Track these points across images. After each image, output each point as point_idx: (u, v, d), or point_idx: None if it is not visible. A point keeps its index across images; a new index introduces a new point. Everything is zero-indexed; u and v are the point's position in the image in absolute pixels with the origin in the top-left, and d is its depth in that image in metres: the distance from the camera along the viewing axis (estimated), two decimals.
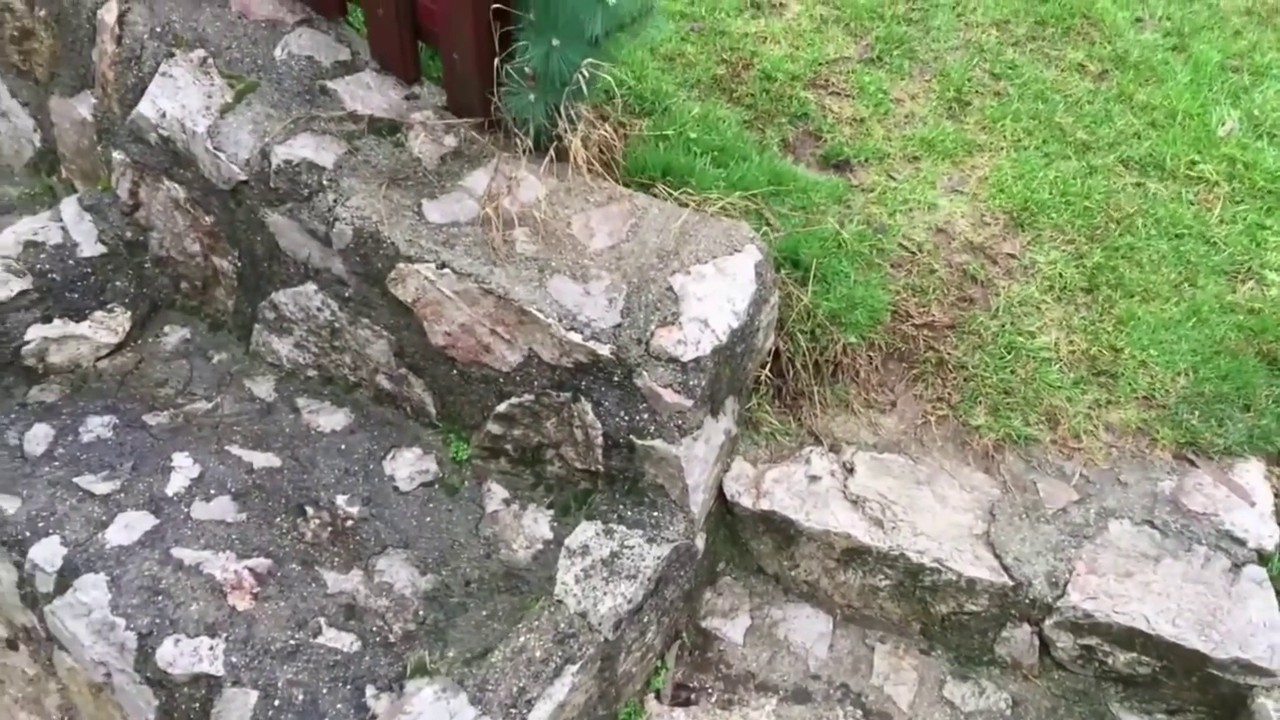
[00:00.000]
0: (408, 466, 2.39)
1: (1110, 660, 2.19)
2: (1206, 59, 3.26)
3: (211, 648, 1.99)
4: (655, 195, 2.51)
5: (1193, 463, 2.38)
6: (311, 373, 2.56)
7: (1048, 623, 2.20)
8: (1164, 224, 2.82)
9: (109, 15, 2.52)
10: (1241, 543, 2.22)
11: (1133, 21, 3.45)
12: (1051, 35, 3.39)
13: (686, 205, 2.47)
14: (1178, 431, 2.42)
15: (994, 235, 2.79)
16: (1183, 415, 2.44)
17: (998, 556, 2.22)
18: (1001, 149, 3.01)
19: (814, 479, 2.35)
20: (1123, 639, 2.14)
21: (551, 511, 2.32)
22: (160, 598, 2.06)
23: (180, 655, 1.98)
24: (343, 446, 2.42)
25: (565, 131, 2.41)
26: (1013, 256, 2.75)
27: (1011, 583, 2.19)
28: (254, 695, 1.94)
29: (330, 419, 2.48)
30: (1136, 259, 2.74)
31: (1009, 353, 2.54)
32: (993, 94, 3.18)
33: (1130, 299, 2.65)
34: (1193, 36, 3.39)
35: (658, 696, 2.27)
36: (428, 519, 2.30)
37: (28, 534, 2.17)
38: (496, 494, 2.36)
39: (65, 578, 2.10)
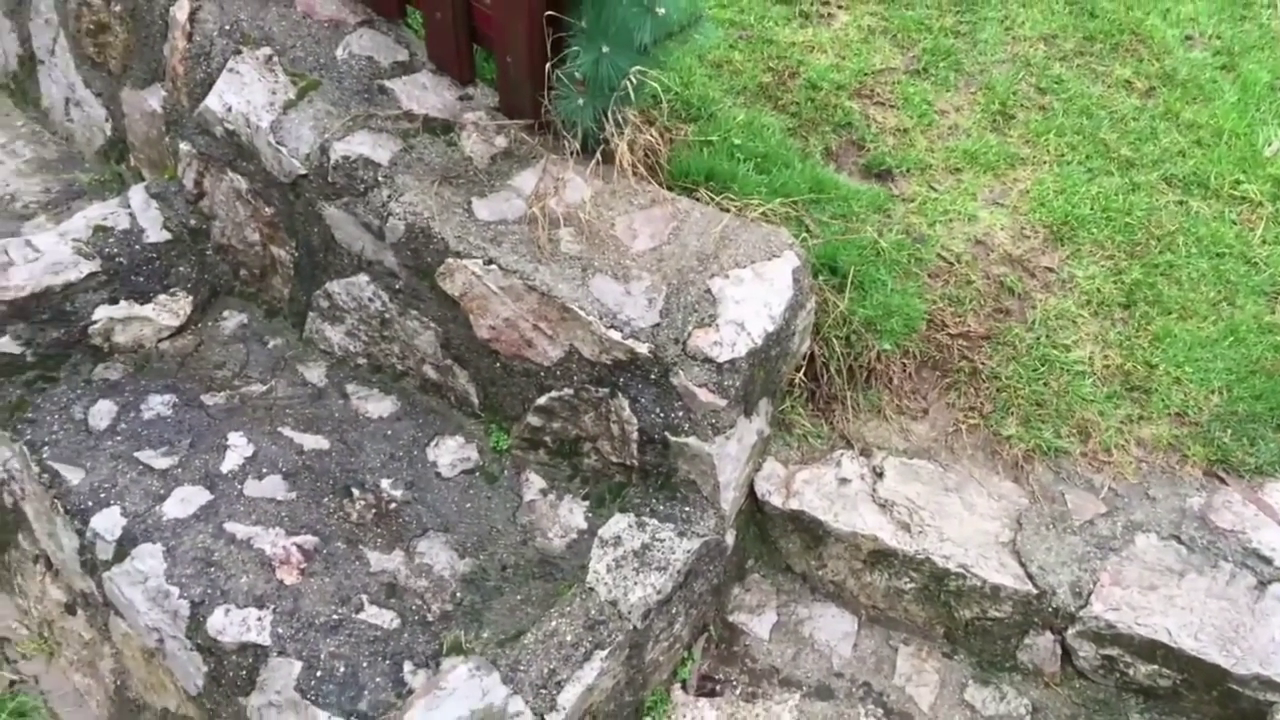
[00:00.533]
0: (450, 454, 2.48)
1: (1131, 671, 2.21)
2: (1255, 79, 3.26)
3: (259, 618, 2.09)
4: (698, 199, 2.57)
5: (1223, 480, 2.39)
6: (361, 360, 2.65)
7: (1070, 631, 2.23)
8: (1205, 242, 2.83)
9: (181, 12, 2.64)
10: (1268, 561, 2.23)
11: (1182, 39, 3.45)
12: (1099, 51, 3.40)
13: (728, 210, 2.53)
14: (1209, 449, 2.44)
15: (1033, 248, 2.82)
16: (1215, 433, 2.45)
17: (1023, 565, 2.25)
18: (1044, 163, 3.03)
19: (844, 481, 2.39)
20: (1144, 651, 2.17)
21: (586, 503, 2.39)
22: (212, 569, 2.16)
23: (230, 624, 2.08)
24: (389, 432, 2.51)
25: (612, 135, 2.47)
26: (1051, 270, 2.78)
27: (1035, 591, 2.22)
28: (298, 665, 2.03)
29: (378, 405, 2.57)
30: (1176, 276, 2.76)
31: (1043, 365, 2.57)
32: (1038, 108, 3.20)
33: (1168, 316, 2.67)
34: (1242, 56, 3.38)
35: (684, 686, 2.33)
36: (468, 505, 2.39)
37: (90, 504, 2.28)
38: (534, 484, 2.44)
39: (124, 547, 2.21)
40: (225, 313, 2.77)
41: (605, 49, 2.26)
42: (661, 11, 2.24)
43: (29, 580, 2.63)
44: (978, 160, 3.01)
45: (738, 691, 2.31)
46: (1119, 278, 2.75)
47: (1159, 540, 2.28)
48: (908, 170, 2.97)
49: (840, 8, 3.50)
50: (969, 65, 3.32)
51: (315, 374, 2.65)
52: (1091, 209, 2.89)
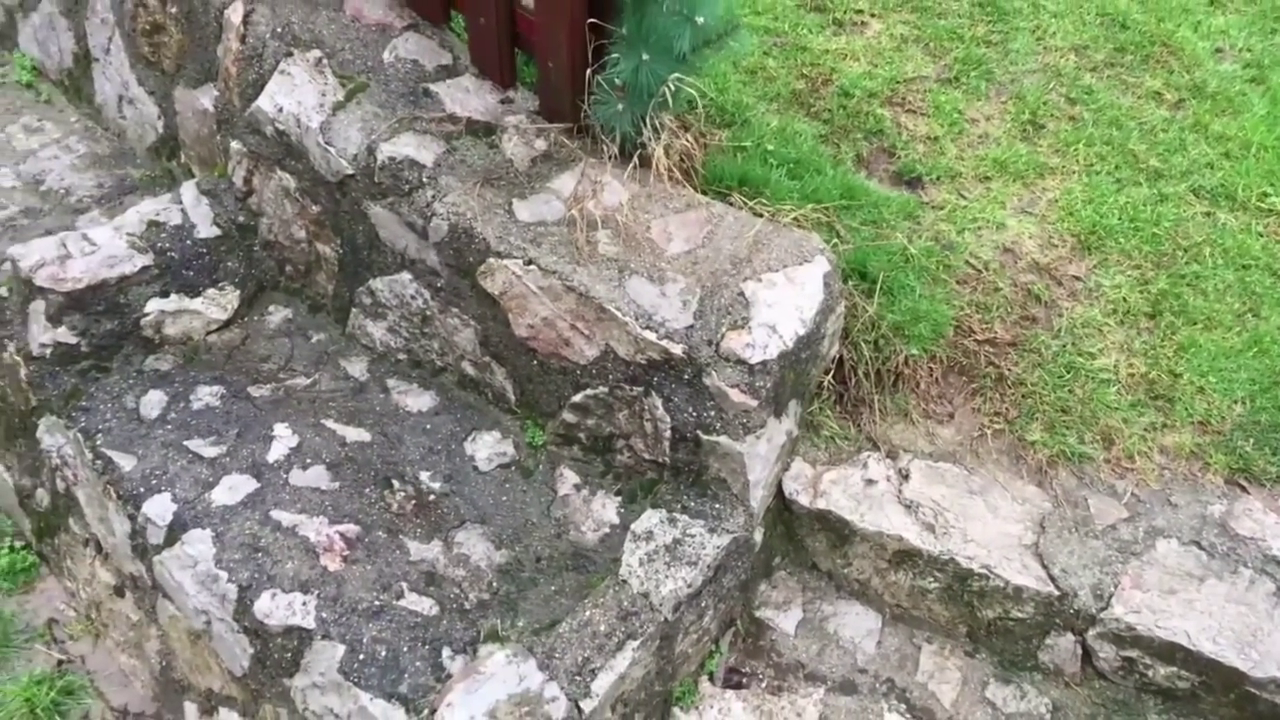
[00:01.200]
0: (487, 448, 2.55)
1: (1150, 673, 2.26)
2: None
3: (304, 603, 2.17)
4: (731, 204, 2.63)
5: (1244, 489, 2.43)
6: (402, 356, 2.73)
7: (1091, 633, 2.28)
8: (1231, 254, 2.86)
9: (235, 15, 2.72)
10: None
11: (1212, 52, 3.48)
12: (1130, 62, 3.43)
13: (761, 215, 2.59)
14: (1231, 458, 2.47)
15: (1061, 257, 2.86)
16: (1237, 442, 2.49)
17: (1045, 567, 2.30)
18: (1073, 173, 3.07)
19: (870, 483, 2.45)
20: (1164, 653, 2.21)
21: (619, 498, 2.46)
22: (259, 555, 2.24)
23: (276, 608, 2.16)
24: (428, 426, 2.59)
25: (649, 140, 2.54)
26: (1078, 279, 2.82)
27: (1058, 593, 2.27)
28: (341, 649, 2.10)
29: (417, 400, 2.65)
30: (1201, 287, 2.79)
31: (1068, 372, 2.61)
32: (1068, 118, 3.24)
33: (1193, 326, 2.71)
34: (1272, 69, 3.40)
35: (711, 678, 2.40)
36: (504, 498, 2.46)
37: (142, 490, 2.37)
38: (568, 479, 2.51)
39: (175, 532, 2.30)
40: (271, 307, 2.85)
41: (645, 57, 2.33)
42: (701, 21, 2.30)
43: (78, 563, 2.72)
44: (1007, 169, 3.06)
45: (764, 685, 2.37)
46: (1145, 287, 2.79)
47: (1180, 546, 2.32)
48: (938, 178, 3.02)
49: (873, 16, 3.55)
50: (1000, 74, 3.36)
51: (357, 368, 2.73)
52: (1119, 219, 2.93)
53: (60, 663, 2.70)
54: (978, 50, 3.42)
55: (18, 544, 2.89)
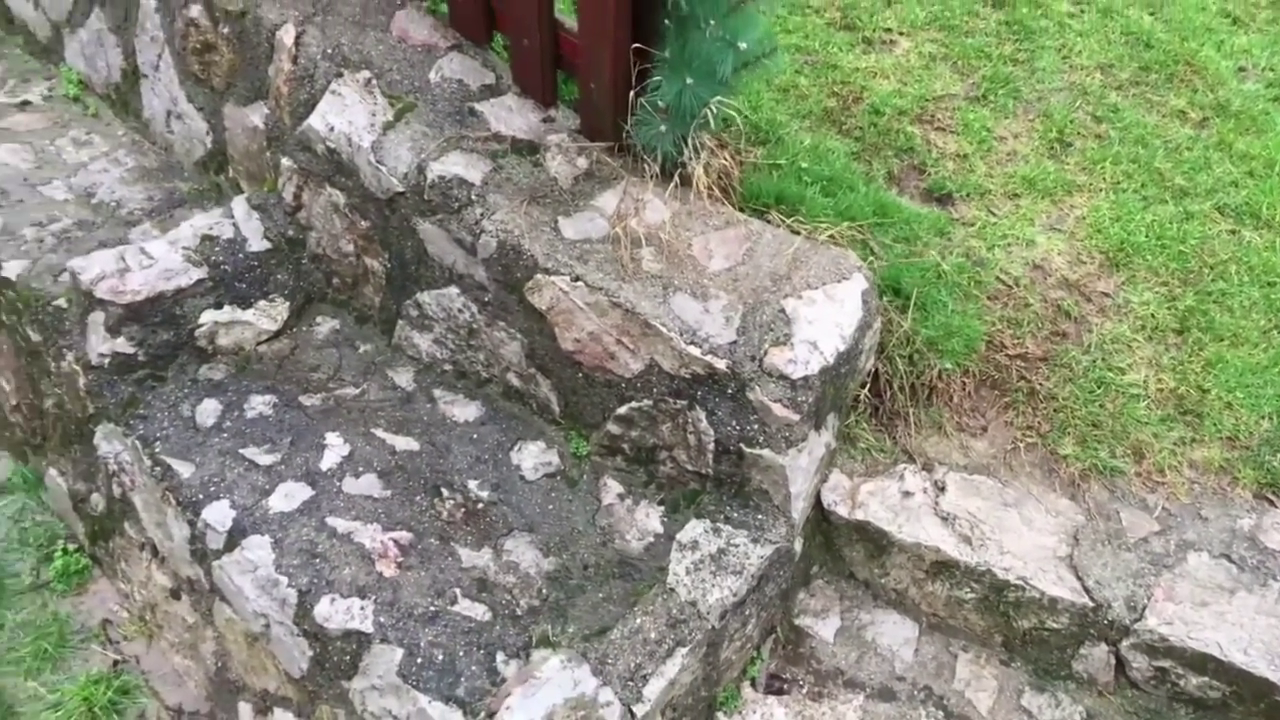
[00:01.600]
0: (532, 458, 2.62)
1: (1182, 683, 2.32)
2: None
3: (362, 608, 2.24)
4: (769, 221, 2.70)
5: (1272, 503, 2.50)
6: (448, 367, 2.81)
7: (1125, 644, 2.34)
8: (1257, 271, 2.93)
9: (287, 36, 2.80)
10: None
11: (1235, 71, 3.54)
12: (1154, 81, 3.50)
13: (798, 233, 2.66)
14: (1259, 472, 2.54)
15: (1089, 273, 2.92)
16: (1265, 457, 2.55)
17: (1080, 579, 2.36)
18: (1100, 190, 3.14)
19: (907, 494, 2.52)
20: (1195, 663, 2.28)
21: (662, 508, 2.52)
22: (317, 560, 2.31)
23: (335, 612, 2.23)
24: (474, 436, 2.66)
25: (689, 159, 2.61)
26: (1106, 295, 2.89)
27: (1092, 604, 2.33)
28: (399, 652, 2.17)
29: (464, 410, 2.72)
30: (1228, 304, 2.86)
31: (1099, 387, 2.68)
32: (1094, 136, 3.31)
33: (1220, 342, 2.77)
34: None
35: (753, 684, 2.46)
36: (550, 507, 2.53)
37: (200, 496, 2.44)
38: (612, 488, 2.58)
39: (234, 537, 2.37)
40: (319, 319, 2.93)
41: (689, 80, 2.39)
42: (743, 46, 2.37)
43: (133, 566, 2.80)
44: (1036, 186, 3.12)
45: (804, 691, 2.44)
46: (1173, 304, 2.86)
47: (1210, 559, 2.39)
48: (967, 195, 3.09)
49: (902, 34, 3.62)
50: (1027, 93, 3.43)
51: (404, 379, 2.80)
52: (1146, 236, 3.00)
53: (115, 663, 2.77)
54: (1005, 68, 3.49)
55: (71, 546, 2.97)
